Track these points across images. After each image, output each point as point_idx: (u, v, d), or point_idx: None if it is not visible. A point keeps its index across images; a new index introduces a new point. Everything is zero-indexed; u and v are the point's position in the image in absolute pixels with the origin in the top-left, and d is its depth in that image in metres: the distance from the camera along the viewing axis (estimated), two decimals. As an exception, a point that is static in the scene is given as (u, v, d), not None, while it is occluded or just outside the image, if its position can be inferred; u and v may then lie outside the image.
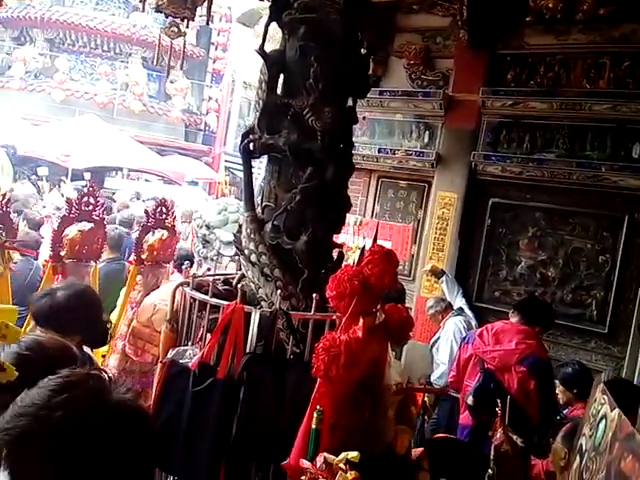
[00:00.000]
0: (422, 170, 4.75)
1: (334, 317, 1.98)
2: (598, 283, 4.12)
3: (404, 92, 4.81)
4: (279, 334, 2.06)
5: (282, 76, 2.30)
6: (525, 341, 3.24)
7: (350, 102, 2.40)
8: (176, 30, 3.17)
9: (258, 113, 2.29)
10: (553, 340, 4.07)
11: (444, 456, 2.32)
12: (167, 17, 3.31)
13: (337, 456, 1.52)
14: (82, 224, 3.39)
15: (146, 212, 3.79)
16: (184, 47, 3.57)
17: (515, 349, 3.20)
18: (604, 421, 1.41)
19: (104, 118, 12.88)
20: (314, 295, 2.04)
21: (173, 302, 2.29)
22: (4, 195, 3.25)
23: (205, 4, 3.23)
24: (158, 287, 3.38)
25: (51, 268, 3.22)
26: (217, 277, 2.43)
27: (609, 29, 4.03)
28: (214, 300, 2.11)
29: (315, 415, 1.63)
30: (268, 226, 2.26)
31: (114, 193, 10.58)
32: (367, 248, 1.91)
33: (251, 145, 2.33)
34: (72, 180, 10.63)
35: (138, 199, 10.92)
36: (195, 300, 2.18)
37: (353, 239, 4.27)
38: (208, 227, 3.72)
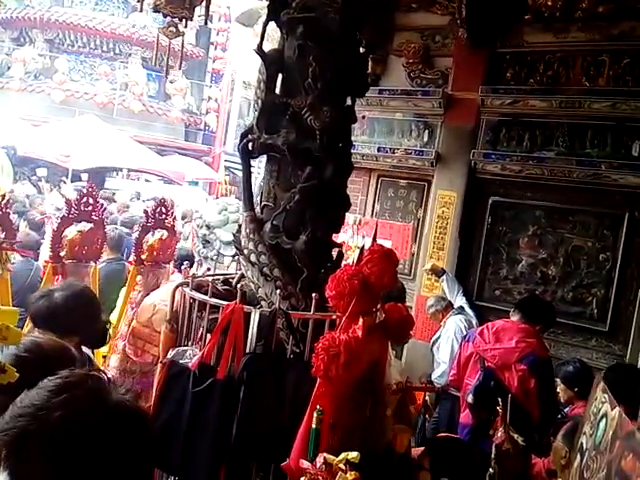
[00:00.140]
0: (422, 169, 4.75)
1: (334, 317, 1.98)
2: (599, 281, 4.11)
3: (403, 91, 4.81)
4: (279, 334, 2.05)
5: (281, 75, 2.30)
6: (525, 339, 3.23)
7: (349, 101, 2.40)
8: (174, 30, 3.16)
9: (257, 113, 2.29)
10: (554, 338, 4.07)
11: (445, 455, 2.32)
12: (165, 17, 3.31)
13: (337, 456, 1.51)
14: (82, 224, 3.39)
15: (146, 212, 3.79)
16: (182, 47, 3.56)
17: (515, 347, 3.19)
18: (604, 420, 1.41)
19: (104, 118, 12.88)
20: (314, 295, 2.04)
21: (173, 302, 2.29)
22: (4, 196, 3.25)
23: (203, 4, 3.23)
24: (158, 287, 3.37)
25: (51, 269, 3.22)
26: (216, 277, 2.43)
27: (608, 27, 4.02)
28: (214, 300, 2.11)
29: (315, 415, 1.63)
30: (267, 226, 2.26)
31: (114, 193, 10.58)
32: (366, 247, 1.91)
33: (250, 145, 2.32)
34: (72, 181, 10.63)
35: (138, 199, 10.93)
36: (195, 300, 2.17)
37: (353, 238, 4.27)
38: (208, 227, 3.72)
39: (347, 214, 2.53)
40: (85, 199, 3.39)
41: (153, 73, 15.19)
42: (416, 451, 2.23)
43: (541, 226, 4.33)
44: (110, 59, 15.03)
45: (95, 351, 2.74)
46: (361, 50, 2.40)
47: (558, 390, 3.21)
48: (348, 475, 1.43)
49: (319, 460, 1.48)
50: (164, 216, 3.73)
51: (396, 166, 4.89)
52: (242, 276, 2.32)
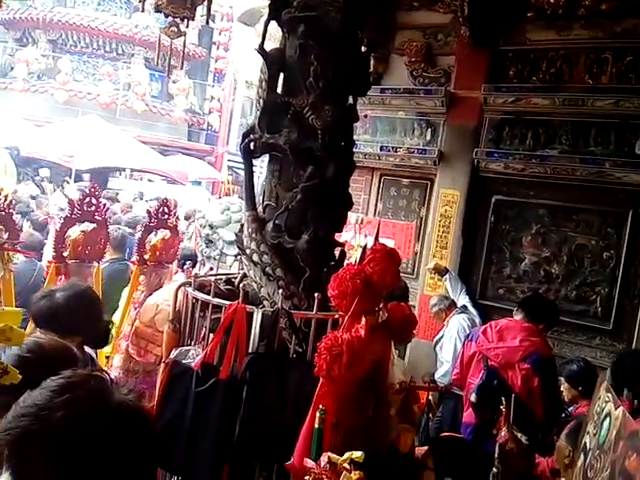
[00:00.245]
0: (424, 168, 4.74)
1: (336, 316, 1.98)
2: (602, 279, 4.10)
3: (405, 90, 4.79)
4: (281, 333, 2.05)
5: (282, 75, 2.30)
6: (529, 338, 3.23)
7: (351, 100, 2.39)
8: (176, 30, 3.17)
9: (258, 112, 2.29)
10: (557, 337, 4.06)
11: (449, 455, 2.32)
12: (167, 17, 3.31)
13: (340, 456, 1.51)
14: (85, 225, 3.39)
15: (148, 212, 3.79)
16: (184, 47, 3.56)
17: (519, 346, 3.19)
18: (608, 419, 1.40)
19: (107, 118, 12.92)
20: (316, 294, 2.03)
21: (175, 302, 2.29)
22: (6, 196, 3.26)
23: (205, 4, 3.23)
24: (161, 287, 3.38)
25: (54, 269, 3.22)
26: (219, 277, 2.43)
27: (611, 24, 4.00)
28: (216, 300, 2.11)
29: (318, 414, 1.63)
30: (269, 225, 2.25)
31: (117, 193, 10.61)
32: (369, 246, 1.91)
33: (252, 144, 2.32)
34: (75, 181, 10.66)
35: (141, 199, 10.95)
36: (197, 300, 2.17)
37: (355, 237, 4.26)
38: (211, 227, 3.72)
39: (349, 213, 2.52)
40: (88, 199, 3.39)
41: (156, 73, 15.21)
42: (420, 450, 2.23)
43: (544, 224, 4.32)
44: (113, 59, 15.07)
45: (98, 351, 2.75)
46: (363, 49, 2.40)
47: (562, 389, 3.21)
48: (352, 475, 1.43)
49: (323, 459, 1.48)
50: (167, 216, 3.73)
51: (399, 165, 4.89)
52: (244, 276, 2.32)
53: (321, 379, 1.71)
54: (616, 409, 1.37)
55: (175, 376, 2.06)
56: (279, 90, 2.29)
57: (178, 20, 3.26)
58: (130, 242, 5.05)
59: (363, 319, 1.78)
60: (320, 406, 1.64)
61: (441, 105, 4.59)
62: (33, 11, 14.27)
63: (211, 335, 2.09)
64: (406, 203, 4.99)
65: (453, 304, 4.21)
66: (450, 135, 4.62)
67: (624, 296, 4.00)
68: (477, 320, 4.06)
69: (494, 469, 1.90)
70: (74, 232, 3.31)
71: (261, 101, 2.28)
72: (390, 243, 4.20)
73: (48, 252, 4.13)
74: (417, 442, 2.51)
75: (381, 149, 4.87)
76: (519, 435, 2.04)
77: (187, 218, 8.00)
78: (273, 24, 2.32)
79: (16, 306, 2.99)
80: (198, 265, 3.67)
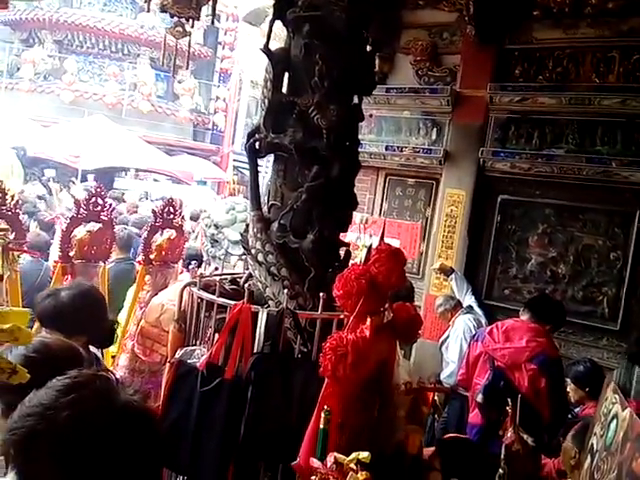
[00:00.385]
0: (430, 167, 4.73)
1: (341, 316, 1.97)
2: (609, 280, 4.07)
3: (411, 89, 4.78)
4: (286, 333, 2.05)
5: (287, 74, 2.30)
6: (536, 339, 3.21)
7: (356, 100, 2.39)
8: (181, 30, 3.17)
9: (264, 112, 2.29)
10: (564, 338, 4.04)
11: (456, 456, 2.31)
12: (173, 17, 3.32)
13: (346, 456, 1.51)
14: (91, 225, 3.41)
15: (154, 212, 3.80)
16: (189, 47, 3.57)
17: (526, 347, 3.17)
18: (615, 420, 1.39)
19: (113, 119, 12.95)
20: (321, 294, 2.03)
21: (181, 302, 2.29)
22: (13, 196, 3.27)
23: (210, 4, 3.23)
24: (166, 287, 3.39)
25: (60, 269, 3.24)
26: (224, 277, 2.44)
27: (618, 23, 3.98)
28: (221, 300, 2.11)
29: (323, 415, 1.62)
30: (275, 225, 2.26)
31: (123, 193, 10.64)
32: (374, 246, 1.90)
33: (257, 144, 2.32)
34: (82, 181, 10.70)
35: (147, 199, 10.98)
36: (202, 300, 2.18)
37: (360, 237, 4.25)
38: (216, 226, 3.74)
39: (354, 213, 2.52)
40: (94, 199, 3.41)
41: (161, 73, 15.25)
42: (427, 451, 2.22)
43: (551, 224, 4.29)
44: (119, 60, 15.10)
45: (104, 350, 2.76)
46: (368, 48, 2.39)
47: (568, 390, 3.19)
48: (359, 475, 1.43)
49: (330, 459, 1.48)
50: (172, 216, 3.74)
51: (404, 164, 4.87)
52: (250, 276, 2.32)
53: (326, 379, 1.71)
54: (623, 410, 1.36)
55: (180, 376, 2.07)
56: (284, 90, 2.30)
57: (183, 20, 3.27)
58: (136, 242, 5.06)
59: (368, 319, 1.77)
60: (325, 406, 1.64)
61: (447, 104, 4.57)
62: (39, 12, 14.31)
63: (216, 335, 2.09)
64: (411, 203, 4.97)
65: (459, 304, 4.19)
66: (456, 134, 4.60)
67: (631, 296, 3.97)
68: (483, 320, 4.04)
69: (500, 470, 1.89)
70: (80, 232, 3.33)
71: (266, 101, 2.28)
72: (395, 243, 4.19)
73: (54, 252, 4.15)
74: (423, 443, 2.50)
75: (386, 149, 4.86)
76: (525, 436, 2.03)
77: (193, 218, 8.02)
78: (278, 24, 2.32)
79: (23, 306, 3.00)
80: (203, 265, 3.67)
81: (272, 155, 2.36)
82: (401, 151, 4.81)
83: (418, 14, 4.79)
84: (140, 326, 3.03)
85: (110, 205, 3.60)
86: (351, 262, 2.24)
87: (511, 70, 4.44)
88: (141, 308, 3.36)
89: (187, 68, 12.98)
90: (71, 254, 3.29)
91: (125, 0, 15.22)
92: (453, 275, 4.31)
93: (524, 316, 3.41)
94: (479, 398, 3.13)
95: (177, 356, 2.13)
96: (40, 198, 8.44)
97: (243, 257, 2.57)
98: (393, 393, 2.06)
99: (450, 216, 4.54)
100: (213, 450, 1.96)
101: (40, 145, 11.30)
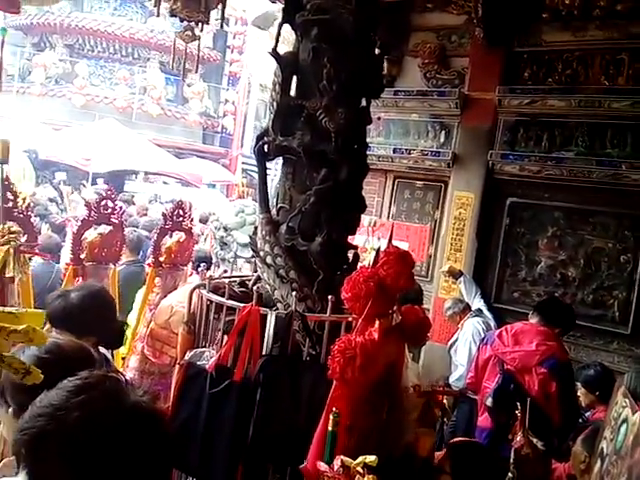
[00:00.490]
0: (438, 170, 4.72)
1: (350, 319, 1.97)
2: (620, 283, 4.04)
3: (419, 92, 4.78)
4: (295, 336, 2.06)
5: (295, 78, 2.31)
6: (546, 342, 3.20)
7: (364, 103, 2.39)
8: (190, 34, 3.20)
9: (272, 115, 2.30)
10: (574, 342, 4.01)
11: (466, 459, 2.30)
12: (182, 21, 3.35)
13: (353, 458, 1.51)
14: (102, 227, 3.44)
15: (164, 215, 3.83)
16: (199, 51, 3.60)
17: (536, 350, 3.15)
18: (625, 424, 1.38)
19: (123, 122, 13.04)
20: (330, 297, 2.03)
21: (190, 304, 2.31)
22: (24, 199, 3.31)
23: (219, 8, 3.25)
24: (176, 289, 3.40)
25: (71, 271, 3.27)
26: (233, 279, 2.45)
27: (627, 25, 3.96)
28: (230, 302, 2.12)
29: (331, 417, 1.63)
30: (283, 228, 2.26)
31: (133, 196, 10.71)
32: (382, 249, 1.91)
33: (265, 147, 2.33)
34: (92, 184, 10.78)
35: (156, 201, 11.04)
36: (212, 302, 2.19)
37: (368, 240, 4.25)
38: (225, 229, 3.75)
39: (363, 216, 2.52)
40: (104, 202, 3.44)
41: (171, 77, 15.34)
42: (437, 455, 2.22)
43: (560, 227, 4.27)
44: (129, 64, 15.22)
45: (114, 352, 2.78)
46: (376, 51, 2.40)
47: (579, 394, 3.17)
48: (366, 478, 1.43)
49: (336, 463, 1.48)
50: (182, 218, 3.76)
51: (412, 167, 4.87)
52: (258, 278, 2.33)
53: (334, 382, 1.71)
54: (633, 414, 1.35)
55: (190, 377, 2.08)
56: (292, 93, 2.30)
57: (193, 24, 3.30)
58: (145, 245, 5.10)
59: (377, 322, 1.77)
60: (334, 409, 1.64)
61: (455, 107, 4.57)
62: (50, 16, 14.45)
63: (225, 337, 2.10)
64: (420, 205, 4.97)
65: (467, 307, 4.18)
66: (464, 137, 4.60)
67: (642, 300, 3.94)
68: (492, 323, 4.03)
69: (509, 474, 1.88)
70: (91, 234, 3.36)
71: (275, 104, 2.29)
72: (404, 246, 4.18)
73: (65, 254, 4.19)
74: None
75: (394, 151, 4.85)
76: (535, 440, 2.02)
77: (202, 221, 8.05)
78: (287, 27, 2.34)
79: (34, 308, 3.03)
80: (212, 267, 3.69)
81: (281, 158, 2.37)
82: (409, 154, 4.80)
83: (426, 17, 4.79)
84: (150, 328, 3.05)
85: (120, 208, 3.63)
86: (359, 265, 2.25)
87: (520, 73, 4.43)
88: (151, 310, 3.38)
89: (196, 72, 13.04)
90: (82, 256, 3.32)
91: (135, 4, 15.33)
92: (462, 278, 4.30)
93: (533, 319, 3.40)
94: (489, 402, 3.12)
95: (186, 358, 2.14)
96: (51, 201, 8.52)
97: (252, 260, 2.58)
98: (402, 396, 2.05)
99: (459, 219, 4.53)
100: (222, 452, 1.97)
101: (51, 148, 11.40)
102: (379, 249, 1.92)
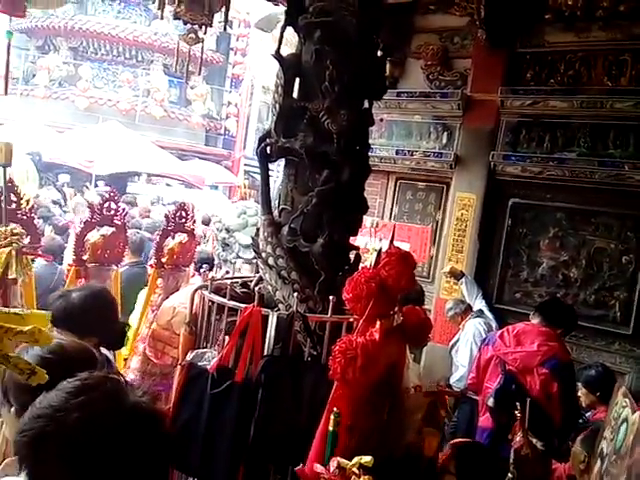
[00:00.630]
0: (440, 171, 4.73)
1: (351, 319, 1.98)
2: (622, 284, 4.04)
3: (422, 93, 4.78)
4: (296, 336, 2.06)
5: (298, 79, 2.32)
6: (547, 343, 3.20)
7: (366, 104, 2.40)
8: (194, 37, 3.21)
9: (275, 117, 2.31)
10: (576, 342, 4.01)
11: (471, 460, 2.30)
12: (186, 24, 3.37)
13: (354, 458, 1.51)
14: (105, 229, 3.45)
15: (166, 216, 3.84)
16: (202, 53, 3.61)
17: (537, 351, 3.16)
18: (625, 424, 1.39)
19: (126, 124, 13.09)
20: (331, 297, 2.04)
21: (192, 305, 2.32)
22: (28, 201, 3.33)
23: (223, 10, 3.27)
24: (178, 290, 3.41)
25: (74, 272, 3.28)
26: (235, 280, 2.46)
27: (630, 26, 3.95)
28: (232, 303, 2.13)
29: (332, 417, 1.63)
30: (285, 229, 2.27)
31: (136, 198, 10.74)
32: (384, 250, 1.91)
33: (268, 149, 2.34)
34: (95, 186, 10.82)
35: (159, 203, 11.07)
36: (213, 303, 2.20)
37: (370, 241, 4.26)
38: (228, 230, 3.76)
39: (365, 217, 2.53)
40: (107, 204, 3.46)
41: (174, 79, 15.39)
42: (441, 455, 2.22)
43: (562, 228, 4.27)
44: (132, 66, 15.27)
45: (116, 353, 2.79)
46: (379, 53, 2.40)
47: (580, 394, 3.17)
48: (361, 479, 1.43)
49: (333, 464, 1.49)
50: (184, 220, 3.78)
51: (414, 168, 4.87)
52: (260, 279, 2.34)
53: (336, 382, 1.72)
54: (633, 414, 1.36)
55: (191, 378, 2.09)
56: (295, 95, 2.31)
57: (196, 27, 3.32)
58: (148, 246, 5.11)
59: (378, 322, 1.78)
60: (335, 409, 1.65)
61: (457, 108, 4.57)
62: (54, 19, 14.51)
63: (227, 338, 2.11)
64: (422, 207, 4.97)
65: (469, 308, 4.18)
66: (466, 138, 4.60)
67: (644, 300, 3.93)
68: (493, 324, 4.03)
69: (509, 474, 1.89)
70: (93, 236, 3.37)
71: (277, 106, 2.30)
72: (406, 247, 4.18)
73: (68, 256, 4.21)
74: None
75: (397, 153, 4.86)
76: (534, 440, 2.02)
77: (204, 222, 8.07)
78: (289, 30, 2.35)
79: (37, 309, 3.04)
80: (215, 268, 3.70)
81: (283, 159, 2.38)
82: (412, 155, 4.81)
83: (429, 18, 4.80)
84: (152, 329, 3.06)
85: (123, 209, 3.65)
86: (361, 265, 2.26)
87: (522, 74, 4.43)
88: (153, 311, 3.39)
89: (200, 74, 13.09)
90: (84, 258, 3.33)
91: (139, 7, 15.39)
92: (463, 279, 4.30)
93: (535, 320, 3.40)
94: (490, 402, 3.12)
95: (188, 358, 2.15)
96: (55, 203, 8.55)
97: (253, 261, 2.59)
98: (403, 396, 2.06)
99: (460, 220, 4.53)
100: (223, 452, 1.97)
101: (55, 150, 11.45)
102: (381, 250, 1.92)
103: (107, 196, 3.57)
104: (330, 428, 1.63)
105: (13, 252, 2.79)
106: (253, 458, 1.96)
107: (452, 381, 4.01)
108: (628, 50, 4.02)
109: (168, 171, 12.90)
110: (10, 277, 2.80)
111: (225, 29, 4.19)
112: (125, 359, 3.34)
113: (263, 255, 2.27)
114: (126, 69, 15.07)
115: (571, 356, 3.44)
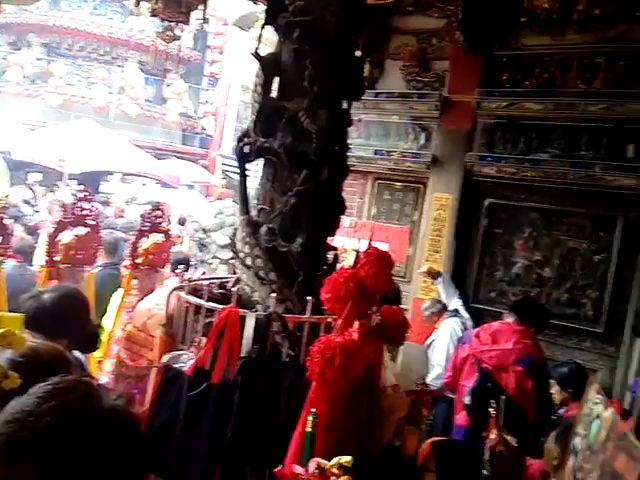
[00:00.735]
0: (418, 171, 4.75)
1: (329, 320, 1.98)
2: (594, 283, 4.11)
3: (400, 94, 4.81)
4: (274, 337, 2.05)
5: (277, 79, 2.31)
6: (522, 341, 3.25)
7: (345, 104, 2.40)
8: (171, 34, 3.18)
9: (253, 116, 2.29)
10: (549, 340, 4.06)
11: (450, 458, 2.32)
12: (163, 21, 3.33)
13: (332, 458, 1.51)
14: (78, 229, 3.38)
15: (142, 216, 3.79)
16: (179, 51, 3.58)
17: (513, 349, 3.20)
18: (597, 421, 1.41)
19: (101, 122, 12.88)
20: (309, 298, 2.04)
21: (168, 306, 2.29)
22: (-1, 200, 3.25)
23: (200, 8, 3.24)
24: (153, 291, 3.37)
25: (46, 273, 3.21)
26: (212, 281, 2.43)
27: (604, 29, 4.02)
28: (209, 304, 2.11)
29: (310, 418, 1.63)
30: (263, 229, 2.26)
31: (109, 197, 10.57)
32: (362, 250, 1.92)
33: (246, 148, 2.33)
34: (68, 185, 10.61)
35: (134, 203, 10.92)
36: (190, 304, 2.17)
37: (348, 241, 4.26)
38: (204, 231, 3.73)
39: (343, 217, 2.53)
40: (80, 203, 3.39)
41: (150, 77, 15.19)
42: (421, 452, 2.23)
43: (536, 228, 4.33)
44: (107, 63, 15.04)
45: (90, 356, 2.74)
46: (357, 53, 2.41)
47: (553, 391, 3.21)
48: (341, 479, 1.43)
49: (312, 465, 1.48)
50: (159, 220, 3.72)
51: (392, 169, 4.90)
52: (238, 280, 2.32)
53: (313, 383, 1.71)
54: (605, 410, 1.38)
55: (168, 380, 2.06)
56: (274, 94, 2.30)
57: (173, 24, 3.28)
58: (122, 246, 5.03)
59: (356, 323, 1.78)
60: (312, 410, 1.65)
61: (435, 109, 4.61)
62: (28, 15, 14.21)
63: (204, 339, 2.09)
64: (400, 207, 5.00)
65: (445, 308, 4.21)
66: (443, 139, 4.64)
67: (615, 299, 4.01)
68: (469, 323, 4.07)
69: (484, 472, 1.91)
70: (67, 236, 3.30)
71: (256, 105, 2.29)
72: (384, 247, 4.20)
73: (39, 256, 4.12)
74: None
75: (375, 153, 4.87)
76: (509, 437, 2.05)
77: (180, 222, 7.98)
78: (269, 29, 2.34)
79: (7, 310, 2.97)
80: (191, 269, 3.66)
81: (261, 159, 2.37)
82: (389, 155, 4.83)
83: (407, 20, 4.82)
84: (127, 331, 3.01)
85: (96, 209, 3.58)
86: (339, 266, 2.26)
87: (498, 76, 4.48)
88: (128, 313, 3.34)
89: (178, 72, 12.97)
90: (57, 258, 3.26)
91: (114, 4, 15.15)
92: (440, 279, 4.33)
93: (509, 318, 3.44)
94: (467, 400, 3.15)
95: (164, 360, 2.12)
96: (25, 202, 8.36)
97: (229, 261, 2.57)
98: (381, 395, 2.07)
99: (437, 220, 4.56)
100: (200, 455, 1.95)
101: (27, 149, 11.20)
102: (359, 250, 1.93)
103: (80, 195, 3.49)
104: (308, 429, 1.63)
105: (-17, 252, 2.72)
106: (230, 460, 1.95)
107: (428, 380, 4.03)
108: (602, 53, 4.09)
109: (143, 170, 12.73)
110: (-21, 278, 2.73)
111: (202, 28, 4.15)
112: (99, 362, 3.29)
113: (241, 255, 2.26)
114: (100, 66, 14.83)
115: (545, 354, 3.49)
